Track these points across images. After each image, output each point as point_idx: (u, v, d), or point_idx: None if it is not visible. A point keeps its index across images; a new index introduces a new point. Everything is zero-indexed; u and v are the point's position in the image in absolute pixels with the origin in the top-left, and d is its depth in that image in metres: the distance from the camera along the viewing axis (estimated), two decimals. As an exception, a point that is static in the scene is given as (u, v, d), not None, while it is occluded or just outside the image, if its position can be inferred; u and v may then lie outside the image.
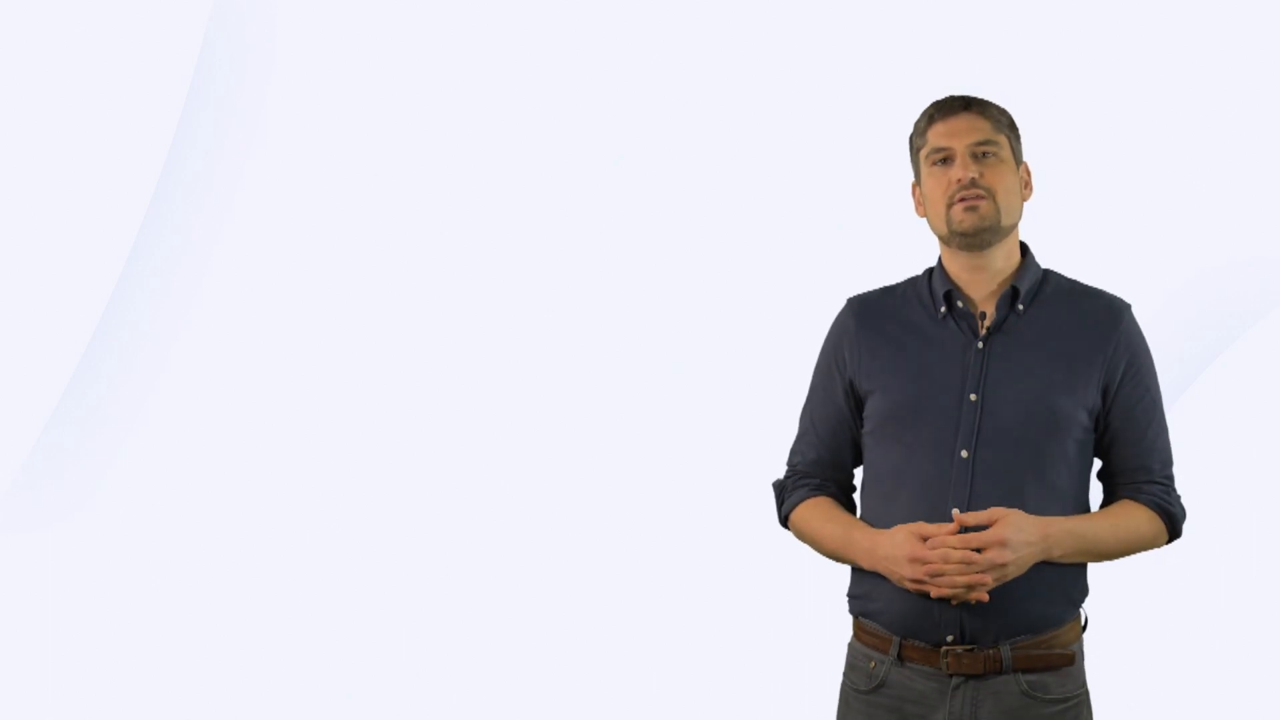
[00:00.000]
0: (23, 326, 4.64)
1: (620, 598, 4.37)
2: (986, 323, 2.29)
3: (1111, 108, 4.34)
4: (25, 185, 4.65)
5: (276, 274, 4.70)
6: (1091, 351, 2.28)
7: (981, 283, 2.31)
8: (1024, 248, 2.36)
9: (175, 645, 4.38)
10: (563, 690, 4.26)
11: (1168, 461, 2.34)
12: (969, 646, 2.22)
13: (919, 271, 2.41)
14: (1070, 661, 2.27)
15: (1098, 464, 2.37)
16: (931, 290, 2.35)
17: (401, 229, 4.67)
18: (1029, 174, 2.36)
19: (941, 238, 2.34)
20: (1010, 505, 2.19)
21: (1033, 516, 2.19)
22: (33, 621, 4.48)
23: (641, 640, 4.31)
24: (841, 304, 2.44)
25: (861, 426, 2.37)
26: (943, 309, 2.32)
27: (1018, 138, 2.34)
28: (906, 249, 2.62)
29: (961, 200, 2.26)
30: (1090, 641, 2.35)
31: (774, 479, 2.48)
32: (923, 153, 2.33)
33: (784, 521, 2.46)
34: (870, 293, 2.43)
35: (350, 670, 4.35)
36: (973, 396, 2.25)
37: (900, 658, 2.27)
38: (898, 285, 2.42)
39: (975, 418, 2.24)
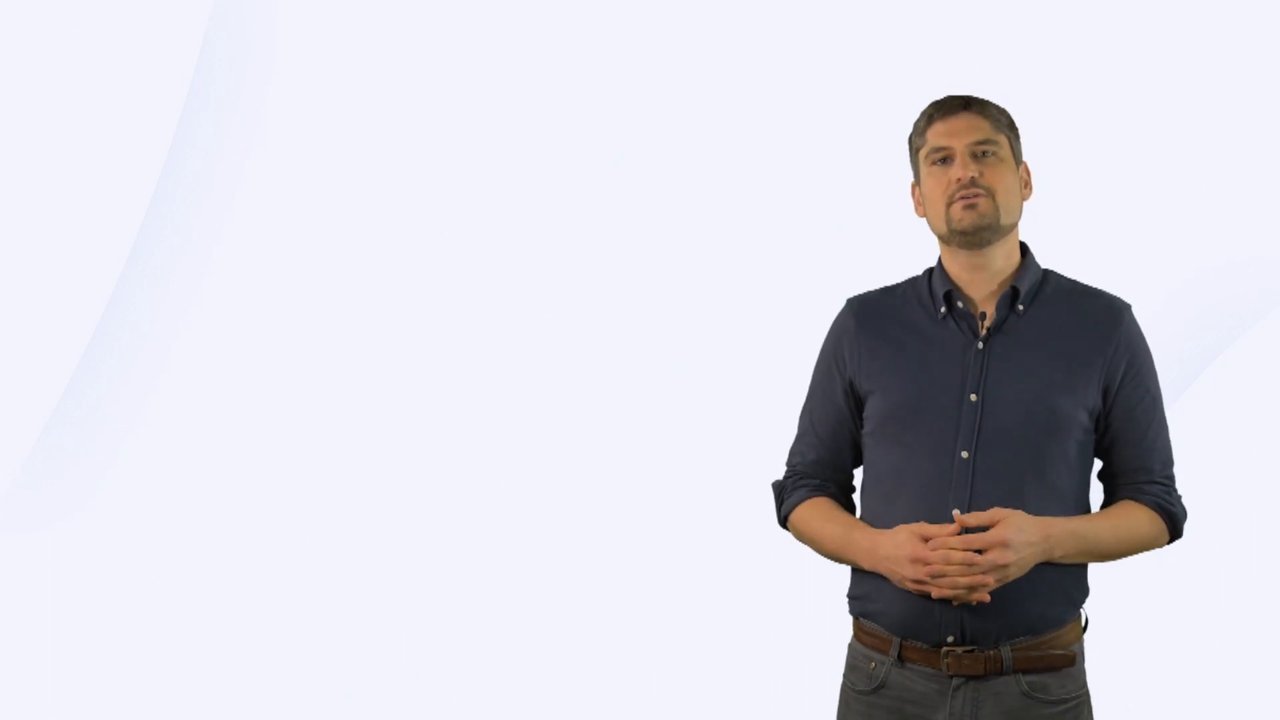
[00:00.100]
0: (23, 326, 4.64)
1: (620, 598, 4.37)
2: (987, 323, 2.29)
3: (1111, 108, 4.34)
4: (25, 185, 4.65)
5: (276, 274, 4.70)
6: (1092, 352, 2.28)
7: (981, 283, 2.31)
8: (1024, 248, 2.36)
9: (175, 645, 4.38)
10: (563, 690, 4.26)
11: (1168, 462, 2.34)
12: (969, 647, 2.22)
13: (919, 271, 2.41)
14: (1071, 662, 2.27)
15: (1098, 464, 2.37)
16: (931, 290, 2.35)
17: (402, 229, 4.67)
18: (1029, 173, 2.36)
19: (941, 237, 2.34)
20: (1011, 506, 2.19)
21: (1034, 517, 2.19)
22: (33, 621, 4.48)
23: (642, 640, 4.31)
24: (841, 304, 2.44)
25: (861, 427, 2.37)
26: (943, 309, 2.32)
27: (1017, 137, 2.34)
28: (906, 249, 2.62)
29: (961, 199, 2.26)
30: (1091, 642, 2.35)
31: (773, 479, 2.48)
32: (922, 152, 2.33)
33: (783, 522, 2.46)
34: (870, 293, 2.43)
35: (350, 670, 4.35)
36: (973, 397, 2.25)
37: (900, 658, 2.27)
38: (897, 285, 2.42)
39: (975, 418, 2.24)
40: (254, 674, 4.32)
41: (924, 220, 2.38)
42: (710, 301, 4.52)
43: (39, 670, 4.38)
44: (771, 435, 2.69)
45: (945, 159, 2.29)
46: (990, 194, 2.27)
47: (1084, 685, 2.31)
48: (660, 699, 4.21)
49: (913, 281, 2.40)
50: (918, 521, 2.21)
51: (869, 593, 2.30)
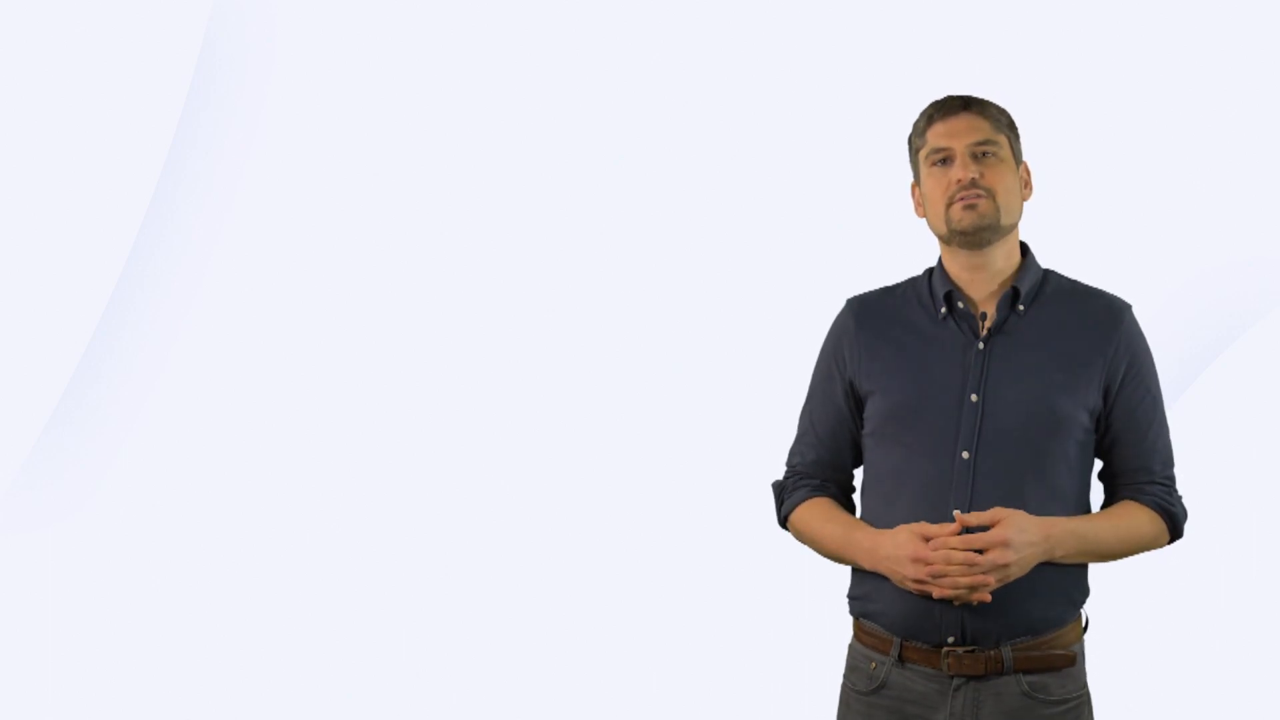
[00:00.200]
0: (23, 326, 4.64)
1: (620, 598, 4.37)
2: (987, 323, 2.29)
3: (1111, 108, 4.34)
4: (25, 185, 4.65)
5: (276, 274, 4.70)
6: (1092, 352, 2.28)
7: (982, 283, 2.31)
8: (1024, 248, 2.36)
9: (175, 645, 4.38)
10: (563, 690, 4.26)
11: (1169, 462, 2.34)
12: (970, 647, 2.22)
13: (919, 272, 2.41)
14: (1071, 662, 2.27)
15: (1098, 464, 2.37)
16: (932, 290, 2.34)
17: (402, 229, 4.67)
18: (1029, 173, 2.35)
19: (941, 238, 2.33)
20: (1011, 506, 2.19)
21: (1035, 517, 2.19)
22: (33, 621, 4.48)
23: (642, 640, 4.31)
24: (841, 304, 2.44)
25: (861, 427, 2.37)
26: (943, 309, 2.32)
27: (1017, 137, 2.34)
28: (906, 249, 2.62)
29: (961, 199, 2.26)
30: (1091, 642, 2.35)
31: (773, 479, 2.48)
32: (922, 153, 2.33)
33: (783, 522, 2.46)
34: (870, 293, 2.43)
35: (350, 670, 4.35)
36: (974, 397, 2.25)
37: (901, 659, 2.27)
38: (897, 285, 2.41)
39: (976, 418, 2.24)
40: (254, 674, 4.32)
41: (924, 220, 2.38)
42: (710, 301, 4.52)
43: (39, 670, 4.38)
44: (771, 435, 2.69)
45: (945, 160, 2.29)
46: (991, 195, 2.26)
47: (1084, 685, 2.31)
48: (660, 699, 4.21)
49: (913, 282, 2.40)
50: (918, 522, 2.21)
51: (869, 593, 2.30)
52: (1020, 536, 2.16)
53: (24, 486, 4.64)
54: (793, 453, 2.47)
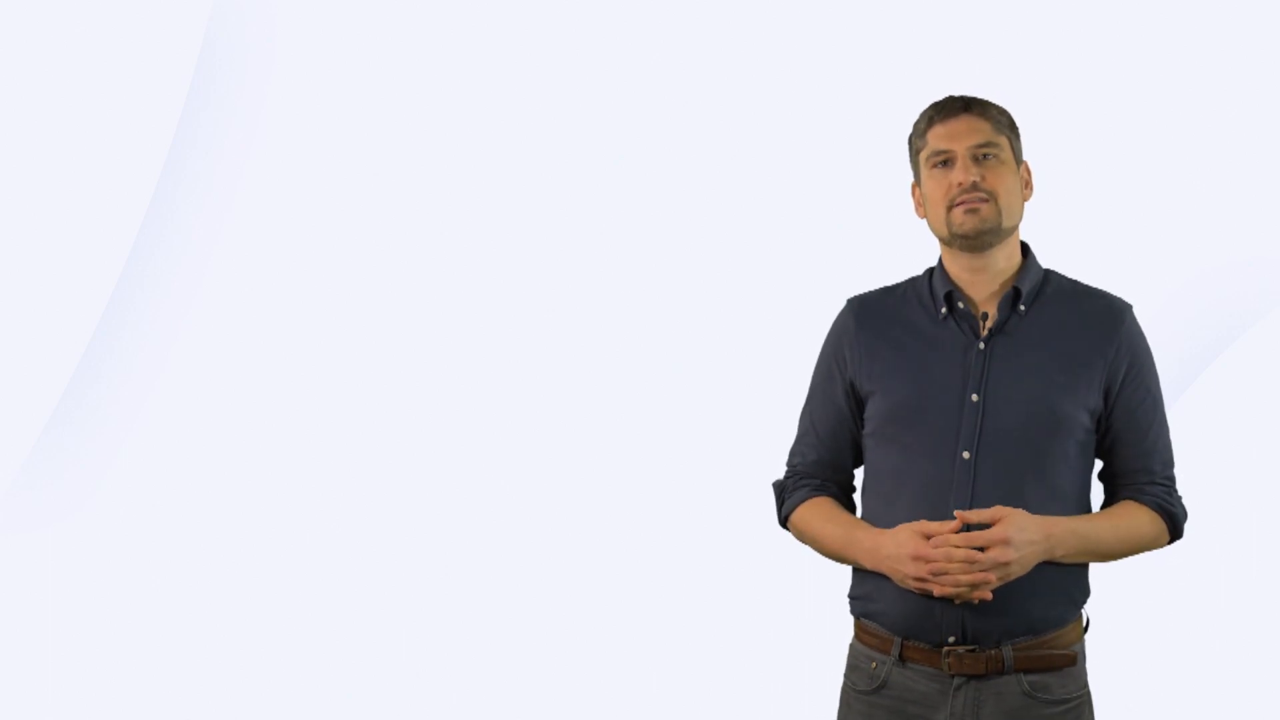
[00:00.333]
0: (23, 326, 4.64)
1: (621, 598, 4.37)
2: (988, 324, 2.29)
3: (1111, 108, 4.34)
4: (25, 185, 4.65)
5: (276, 274, 4.70)
6: (1093, 353, 2.28)
7: (982, 283, 2.31)
8: (1025, 248, 2.36)
9: (175, 645, 4.38)
10: (563, 690, 4.26)
11: (1169, 462, 2.34)
12: (970, 647, 2.22)
13: (919, 272, 2.41)
14: (1072, 662, 2.27)
15: (1099, 465, 2.37)
16: (932, 291, 2.34)
17: (402, 229, 4.67)
18: (1029, 174, 2.35)
19: (942, 239, 2.33)
20: (1012, 506, 2.19)
21: (1036, 516, 2.19)
22: (33, 621, 4.48)
23: (642, 640, 4.31)
24: (841, 304, 2.44)
25: (862, 427, 2.37)
26: (943, 310, 2.32)
27: (1018, 138, 2.34)
28: (906, 249, 2.62)
29: (962, 203, 2.26)
30: (1092, 642, 2.35)
31: (774, 479, 2.48)
32: (923, 154, 2.33)
33: (784, 522, 2.46)
34: (870, 293, 2.43)
35: (350, 670, 4.34)
36: (974, 397, 2.25)
37: (901, 658, 2.27)
38: (898, 285, 2.42)
39: (977, 419, 2.24)
40: (254, 674, 4.32)
41: (924, 220, 2.38)
42: (710, 301, 4.52)
43: (39, 670, 4.38)
44: (772, 435, 2.69)
45: (946, 161, 2.29)
46: (992, 197, 2.26)
47: (1085, 685, 2.31)
48: (660, 699, 4.21)
49: (913, 282, 2.40)
50: (919, 521, 2.21)
51: (870, 593, 2.30)
52: (1021, 535, 2.16)
53: (24, 486, 4.64)
54: (793, 453, 2.47)
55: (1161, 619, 4.07)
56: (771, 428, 2.77)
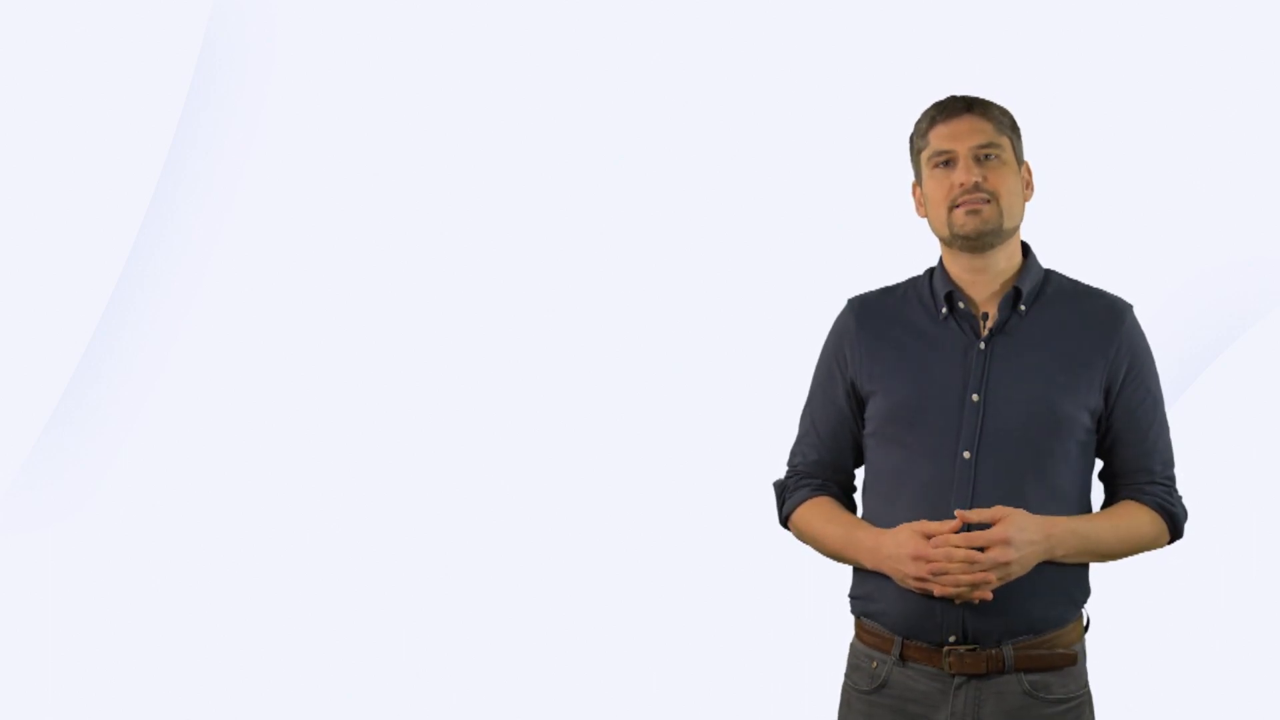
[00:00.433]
0: (23, 326, 4.64)
1: (621, 598, 4.37)
2: (989, 324, 2.29)
3: (1111, 108, 4.34)
4: (25, 185, 4.65)
5: (276, 274, 4.70)
6: (1093, 353, 2.28)
7: (983, 284, 2.31)
8: (1026, 248, 2.36)
9: (175, 645, 4.38)
10: (563, 690, 4.26)
11: (1169, 462, 2.34)
12: (971, 646, 2.22)
13: (919, 272, 2.41)
14: (1072, 662, 2.27)
15: (1099, 464, 2.37)
16: (933, 291, 2.35)
17: (402, 229, 4.67)
18: (1030, 174, 2.36)
19: (943, 239, 2.33)
20: (1012, 506, 2.19)
21: (1036, 516, 2.19)
22: (33, 621, 4.48)
23: (642, 640, 4.31)
24: (841, 304, 2.44)
25: (863, 427, 2.37)
26: (944, 310, 2.32)
27: (1019, 138, 2.34)
28: (907, 249, 2.62)
29: (964, 204, 2.26)
30: (1092, 642, 2.35)
31: (775, 479, 2.48)
32: (924, 154, 2.33)
33: (784, 522, 2.46)
34: (871, 293, 2.43)
35: (350, 670, 4.34)
36: (974, 397, 2.25)
37: (902, 658, 2.27)
38: (898, 286, 2.42)
39: (977, 419, 2.24)
40: (254, 674, 4.31)
41: (924, 220, 2.38)
42: (711, 301, 4.52)
43: (39, 670, 4.37)
44: (772, 435, 2.69)
45: (948, 162, 2.29)
46: (994, 198, 2.26)
47: (1085, 685, 2.31)
48: (661, 699, 4.21)
49: (913, 282, 2.40)
50: (919, 521, 2.21)
51: (871, 592, 2.30)
52: (1021, 535, 2.16)
53: (24, 486, 4.64)
54: (794, 453, 2.47)
55: (1161, 619, 4.07)
56: (772, 428, 2.77)
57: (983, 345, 2.28)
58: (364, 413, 4.63)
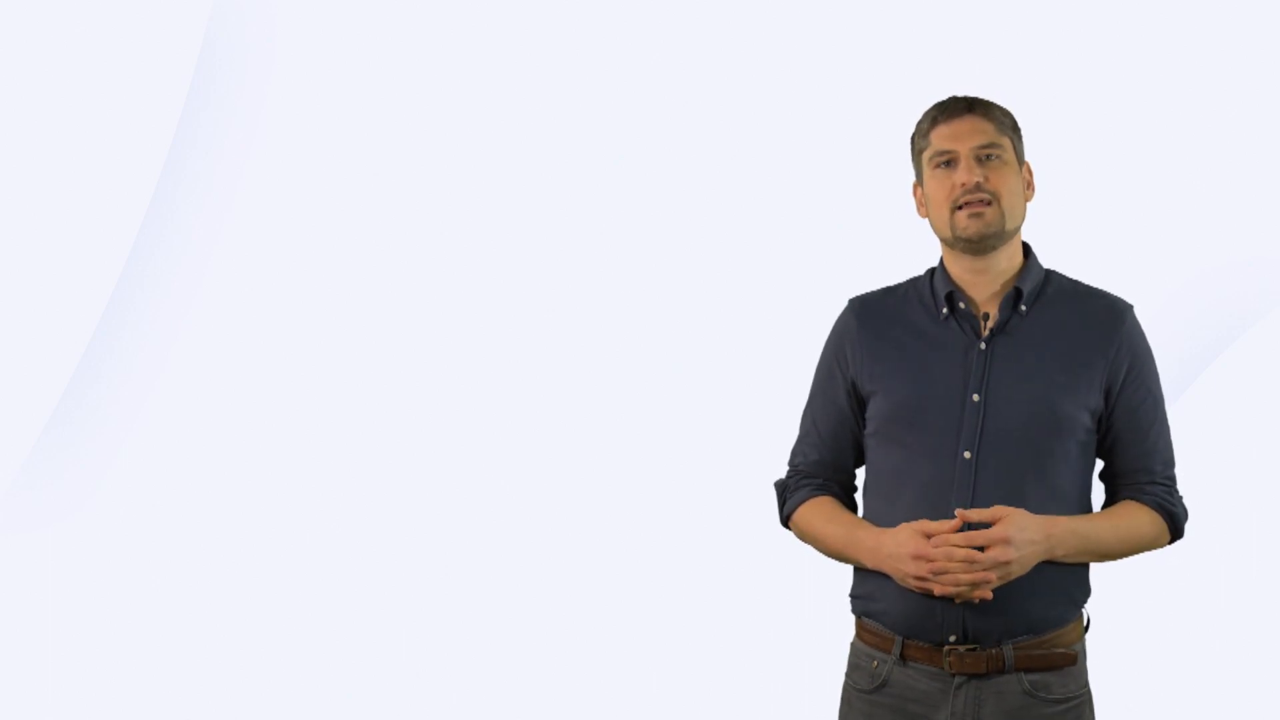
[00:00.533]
0: (23, 326, 4.64)
1: (621, 598, 4.37)
2: (989, 324, 2.29)
3: (1112, 108, 4.34)
4: (25, 185, 4.65)
5: (276, 274, 4.70)
6: (1094, 353, 2.28)
7: (984, 284, 2.31)
8: (1027, 248, 2.36)
9: (175, 645, 4.38)
10: (563, 690, 4.26)
11: (1170, 462, 2.34)
12: (971, 646, 2.23)
13: (920, 272, 2.41)
14: (1072, 661, 2.27)
15: (1100, 464, 2.37)
16: (933, 291, 2.35)
17: (402, 229, 4.67)
18: (1031, 174, 2.36)
19: (944, 240, 2.33)
20: (1012, 506, 2.19)
21: (1036, 515, 2.19)
22: (33, 621, 4.48)
23: (642, 640, 4.31)
24: (842, 304, 2.44)
25: (863, 427, 2.37)
26: (944, 310, 2.32)
27: (1020, 138, 2.34)
28: (907, 249, 2.62)
29: (966, 206, 2.26)
30: (1092, 642, 2.35)
31: (776, 479, 2.49)
32: (925, 155, 2.33)
33: (785, 521, 2.46)
34: (872, 293, 2.43)
35: (350, 670, 4.34)
36: (975, 397, 2.25)
37: (902, 657, 2.27)
38: (899, 286, 2.42)
39: (978, 419, 2.24)
40: (254, 674, 4.31)
41: (925, 220, 2.38)
42: (711, 302, 4.52)
43: (39, 670, 4.37)
44: (773, 435, 2.69)
45: (949, 162, 2.29)
46: (995, 199, 2.26)
47: (1085, 684, 2.31)
48: (661, 699, 4.21)
49: (914, 282, 2.40)
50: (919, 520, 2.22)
51: (872, 592, 2.31)
52: (1021, 534, 2.17)
53: (24, 486, 4.64)
54: (795, 452, 2.47)
55: (1161, 619, 4.07)
56: (773, 427, 2.78)
57: (983, 345, 2.28)
58: (364, 412, 4.63)
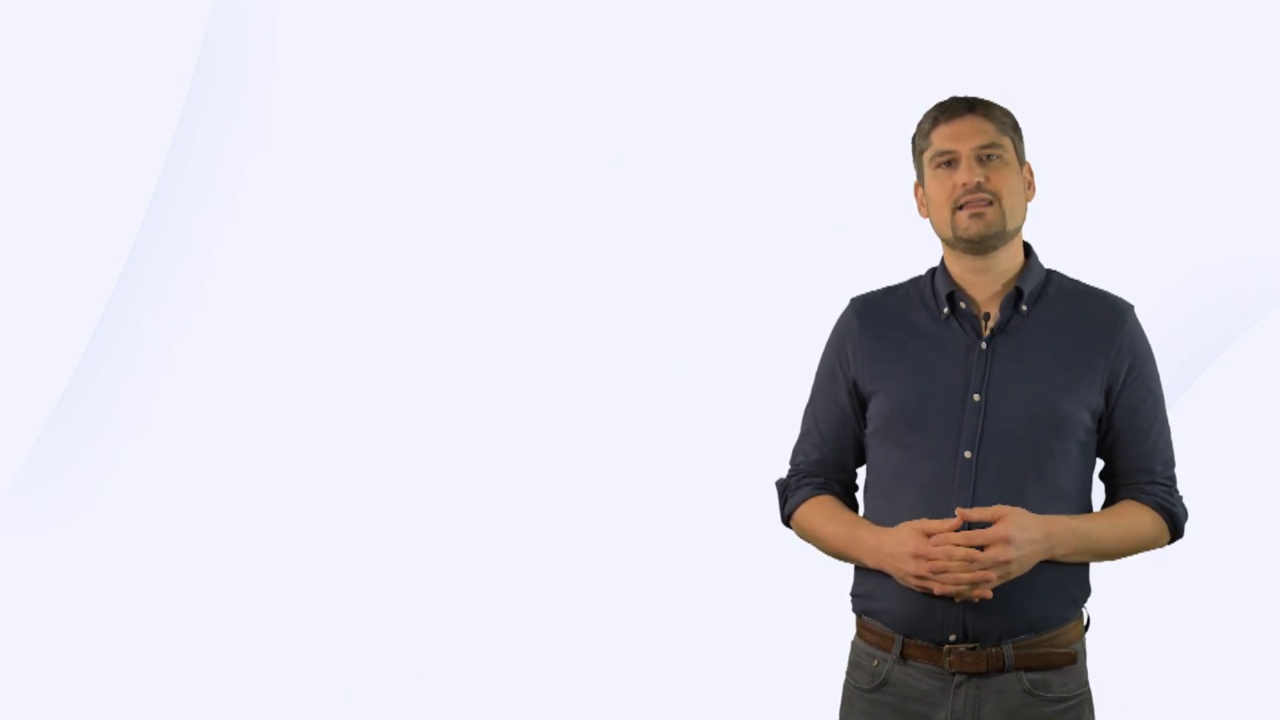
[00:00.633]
0: (23, 326, 4.64)
1: (622, 597, 4.37)
2: (990, 324, 2.29)
3: (1112, 108, 4.35)
4: (25, 185, 4.65)
5: (276, 274, 4.70)
6: (1094, 353, 2.28)
7: (985, 284, 2.32)
8: (1028, 248, 2.37)
9: (175, 645, 4.38)
10: (563, 690, 4.26)
11: (1170, 462, 2.35)
12: (971, 645, 2.23)
13: (921, 271, 2.41)
14: (1072, 660, 2.27)
15: (1100, 464, 2.37)
16: (934, 291, 2.35)
17: (402, 229, 4.67)
18: (1031, 174, 2.36)
19: (945, 240, 2.34)
20: (1013, 505, 2.20)
21: (1036, 515, 2.20)
22: (33, 621, 4.48)
23: (643, 640, 4.31)
24: (842, 304, 2.45)
25: (864, 426, 2.38)
26: (945, 310, 2.32)
27: (1021, 139, 2.35)
28: (908, 249, 2.62)
29: (967, 206, 2.26)
30: (1092, 641, 2.35)
31: (777, 478, 2.49)
32: (926, 155, 2.33)
33: (787, 520, 2.46)
34: (873, 293, 2.43)
35: (350, 670, 4.34)
36: (976, 397, 2.25)
37: (903, 656, 2.27)
38: (900, 285, 2.42)
39: (978, 418, 2.25)
40: (254, 674, 4.31)
41: (926, 220, 2.38)
42: (711, 301, 4.52)
43: (39, 670, 4.37)
44: (774, 434, 2.69)
45: (950, 162, 2.29)
46: (996, 199, 2.27)
47: (1085, 684, 2.31)
48: (661, 698, 4.21)
49: (915, 281, 2.40)
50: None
51: (872, 591, 2.31)
52: (1021, 534, 2.17)
53: (24, 486, 4.64)
54: (796, 451, 2.47)
55: (1161, 619, 4.07)
56: (774, 427, 2.78)
57: (984, 345, 2.29)
58: (364, 412, 4.63)
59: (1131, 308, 2.34)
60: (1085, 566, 2.30)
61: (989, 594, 2.17)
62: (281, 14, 4.77)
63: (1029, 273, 2.32)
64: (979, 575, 2.16)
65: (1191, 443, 2.72)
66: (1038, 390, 2.25)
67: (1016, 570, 2.18)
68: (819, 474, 2.43)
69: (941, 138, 2.30)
